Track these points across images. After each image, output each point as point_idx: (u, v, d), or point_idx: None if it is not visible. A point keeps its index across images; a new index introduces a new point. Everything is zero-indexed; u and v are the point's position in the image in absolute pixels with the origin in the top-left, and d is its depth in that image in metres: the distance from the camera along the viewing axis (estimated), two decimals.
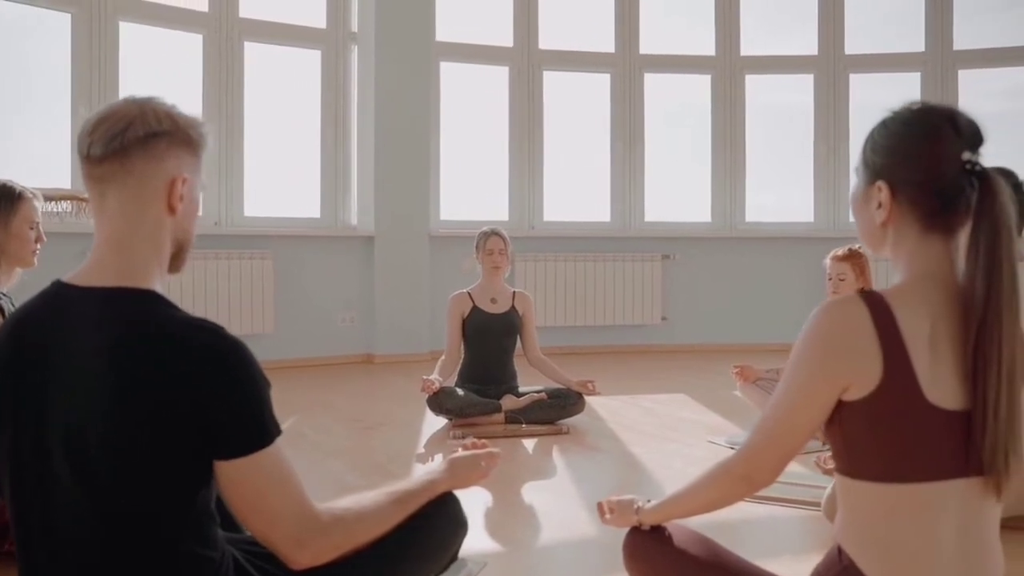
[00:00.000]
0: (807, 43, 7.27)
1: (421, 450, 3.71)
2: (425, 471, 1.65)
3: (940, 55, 7.12)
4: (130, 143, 1.32)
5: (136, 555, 1.28)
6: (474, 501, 2.92)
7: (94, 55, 5.58)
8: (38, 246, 2.50)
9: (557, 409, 4.11)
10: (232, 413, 1.27)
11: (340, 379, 5.61)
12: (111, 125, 1.33)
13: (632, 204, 7.18)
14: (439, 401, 4.01)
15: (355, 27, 6.59)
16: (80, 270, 1.36)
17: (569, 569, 2.36)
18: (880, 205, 1.37)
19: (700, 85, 7.31)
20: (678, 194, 7.39)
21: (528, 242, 6.83)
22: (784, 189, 7.48)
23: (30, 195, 2.47)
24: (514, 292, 4.37)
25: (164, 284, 1.40)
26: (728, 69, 7.25)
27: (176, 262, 1.43)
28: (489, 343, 4.26)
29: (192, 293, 5.70)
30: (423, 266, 6.51)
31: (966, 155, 1.31)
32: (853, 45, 7.21)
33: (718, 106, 7.26)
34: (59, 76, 5.48)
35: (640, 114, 7.19)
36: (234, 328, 5.49)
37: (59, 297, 1.35)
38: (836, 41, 7.21)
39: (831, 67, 7.20)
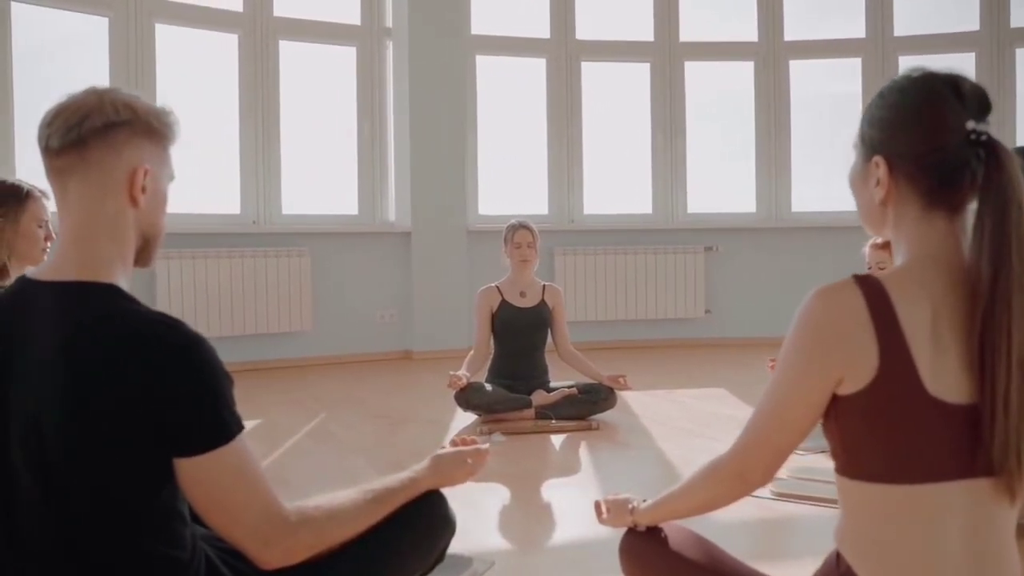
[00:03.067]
0: (854, 26, 7.04)
1: (444, 447, 3.66)
2: (409, 469, 1.59)
3: (996, 33, 6.83)
4: (88, 134, 1.29)
5: (97, 555, 1.25)
6: (492, 498, 2.88)
7: (131, 57, 5.65)
8: (47, 244, 2.50)
9: (588, 404, 4.03)
10: (189, 409, 1.23)
11: (376, 376, 5.60)
12: (68, 116, 1.30)
13: (674, 195, 7.05)
14: (467, 397, 3.96)
15: (389, 23, 6.57)
16: (44, 265, 1.34)
17: (579, 569, 2.28)
18: (878, 182, 1.26)
19: (743, 72, 7.13)
20: (721, 184, 7.23)
21: (568, 236, 6.76)
22: (831, 178, 7.25)
23: (38, 193, 2.47)
24: (544, 285, 4.29)
25: (129, 279, 1.36)
26: (772, 55, 7.06)
27: (144, 256, 1.40)
28: (518, 338, 4.19)
29: (230, 291, 5.75)
30: (461, 261, 6.47)
31: (970, 124, 1.19)
32: (903, 26, 6.96)
33: (762, 93, 7.08)
34: (98, 80, 5.56)
35: (681, 103, 7.05)
36: (272, 326, 5.59)
37: (22, 292, 1.33)
38: (885, 22, 6.97)
39: (879, 50, 6.97)
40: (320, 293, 6.14)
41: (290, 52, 6.29)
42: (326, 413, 4.37)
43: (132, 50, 5.65)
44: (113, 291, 1.30)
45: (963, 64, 6.80)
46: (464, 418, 4.08)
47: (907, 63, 7.01)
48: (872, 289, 1.19)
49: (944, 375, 1.16)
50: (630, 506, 1.56)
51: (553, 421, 3.92)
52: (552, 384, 4.17)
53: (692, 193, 7.07)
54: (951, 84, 1.22)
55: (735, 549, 2.42)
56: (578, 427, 3.90)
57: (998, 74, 6.81)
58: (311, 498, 1.41)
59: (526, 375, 4.16)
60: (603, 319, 6.71)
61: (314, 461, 3.45)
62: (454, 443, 1.74)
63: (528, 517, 2.74)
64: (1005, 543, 1.21)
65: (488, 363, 4.23)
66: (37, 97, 5.27)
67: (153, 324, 1.26)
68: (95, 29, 5.60)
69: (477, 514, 2.70)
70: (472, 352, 4.20)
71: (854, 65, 7.04)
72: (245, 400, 4.45)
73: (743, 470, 1.33)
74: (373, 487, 1.48)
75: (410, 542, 1.52)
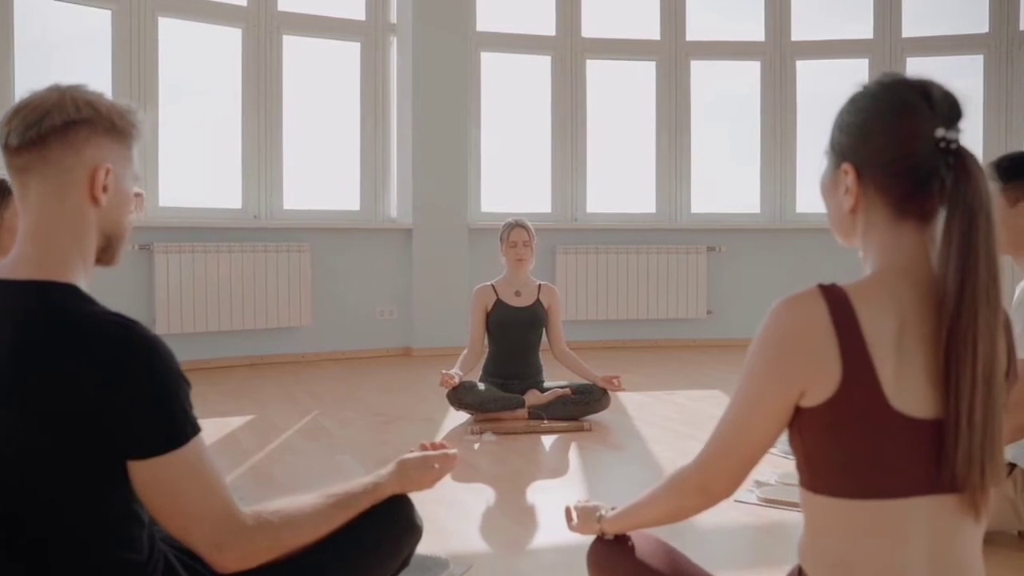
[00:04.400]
0: (862, 26, 6.98)
1: (412, 451, 3.64)
2: (373, 474, 1.57)
3: (1005, 36, 6.76)
4: (47, 132, 1.28)
5: (50, 557, 1.24)
6: (476, 499, 2.86)
7: (134, 51, 5.65)
8: None
9: (581, 405, 4.01)
10: (143, 411, 1.22)
11: (374, 373, 5.59)
12: (28, 114, 1.29)
13: (678, 195, 7.01)
14: (459, 396, 3.95)
15: (394, 18, 6.55)
16: (4, 263, 1.33)
17: (557, 574, 2.25)
18: (847, 190, 1.23)
19: (749, 72, 7.09)
20: (725, 185, 7.19)
21: (571, 234, 6.73)
22: None
23: None
24: (539, 285, 4.27)
25: (89, 279, 1.35)
26: (779, 55, 7.01)
27: (107, 255, 1.38)
28: (513, 337, 4.17)
29: (230, 286, 5.75)
30: (462, 259, 6.45)
31: (940, 132, 1.16)
32: (911, 27, 6.90)
33: (768, 93, 7.04)
34: (100, 73, 5.56)
35: (686, 103, 7.01)
36: (271, 321, 5.61)
37: None
38: (893, 23, 6.91)
39: (888, 51, 6.91)
40: (320, 289, 6.14)
41: (294, 47, 6.28)
42: (321, 410, 4.37)
43: (135, 44, 5.65)
44: (71, 291, 1.29)
45: (971, 67, 6.79)
46: (458, 417, 4.07)
47: (915, 64, 6.97)
48: (836, 299, 1.17)
49: (908, 389, 1.13)
50: (598, 514, 1.55)
51: (545, 421, 3.90)
52: (546, 384, 4.15)
53: (696, 193, 7.04)
54: (921, 91, 1.19)
55: (721, 555, 2.42)
56: (570, 428, 3.88)
57: (1007, 76, 6.75)
58: (272, 501, 1.40)
59: (520, 374, 4.14)
60: (604, 318, 6.69)
61: (303, 458, 3.44)
62: (423, 447, 1.72)
63: (511, 519, 2.72)
64: (970, 559, 1.19)
65: (482, 362, 4.21)
66: None
67: (109, 325, 1.24)
68: (98, 22, 5.60)
69: (459, 515, 2.69)
70: (466, 350, 4.19)
71: (862, 66, 6.98)
72: (242, 395, 4.46)
73: (706, 482, 1.31)
74: (335, 491, 1.47)
75: (374, 547, 1.50)
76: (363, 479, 1.53)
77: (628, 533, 1.52)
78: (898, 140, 1.18)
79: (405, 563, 1.59)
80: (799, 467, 1.23)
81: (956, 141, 1.16)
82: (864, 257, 1.26)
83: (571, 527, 1.63)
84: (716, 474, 1.29)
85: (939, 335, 1.14)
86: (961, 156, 1.16)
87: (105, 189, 1.32)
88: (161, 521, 1.28)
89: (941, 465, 1.14)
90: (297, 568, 1.39)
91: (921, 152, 1.16)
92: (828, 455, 1.17)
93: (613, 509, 1.53)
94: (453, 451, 1.68)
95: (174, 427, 1.24)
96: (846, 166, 1.23)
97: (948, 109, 1.18)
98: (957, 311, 1.13)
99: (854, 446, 1.15)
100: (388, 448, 3.55)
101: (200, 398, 4.44)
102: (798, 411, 1.19)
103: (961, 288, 1.13)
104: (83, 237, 1.32)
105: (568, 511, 1.65)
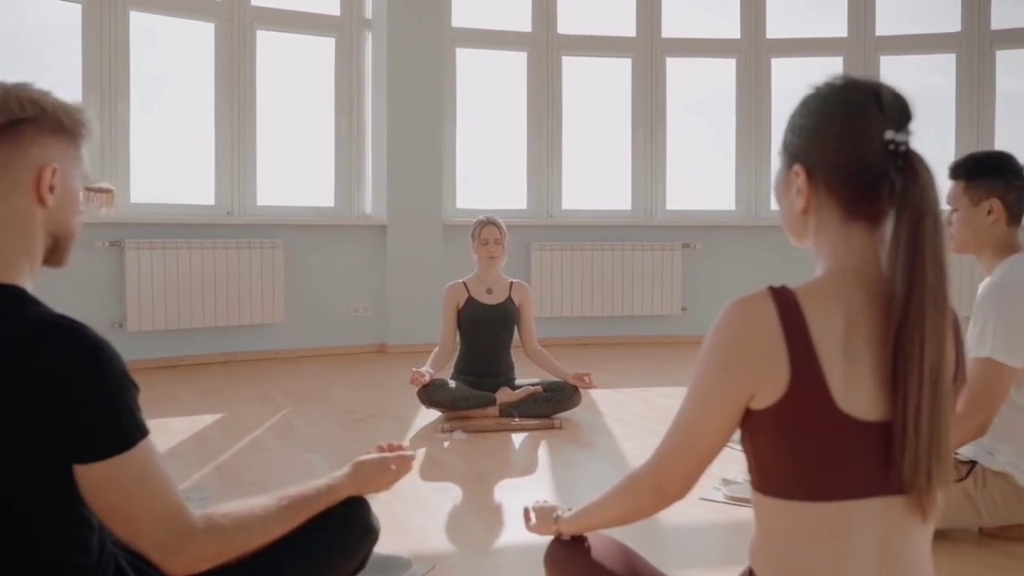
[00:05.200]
0: (836, 25, 7.02)
1: (406, 444, 3.62)
2: (328, 475, 1.56)
3: (977, 35, 6.82)
4: None
5: None
6: (443, 498, 2.86)
7: (104, 46, 5.58)
8: None
9: (552, 403, 4.00)
10: (88, 415, 1.20)
11: (347, 370, 5.57)
12: None
13: (653, 192, 7.02)
14: (429, 394, 3.93)
15: (369, 14, 6.52)
16: None
17: (521, 572, 2.25)
18: (798, 191, 1.24)
19: (724, 69, 7.11)
20: (700, 182, 7.22)
21: (546, 231, 6.73)
22: None
23: None
24: (511, 282, 4.26)
25: (36, 280, 1.33)
26: (753, 52, 7.03)
27: (55, 256, 1.37)
28: (484, 335, 4.16)
29: (202, 282, 5.70)
30: (437, 255, 6.43)
31: (889, 134, 1.17)
32: (885, 26, 6.94)
33: (743, 91, 7.06)
34: (70, 68, 5.50)
35: (662, 100, 7.02)
36: (244, 318, 5.55)
37: None
38: (867, 22, 6.95)
39: (861, 49, 6.95)
40: (294, 285, 6.10)
41: (268, 42, 6.23)
42: (291, 407, 4.34)
43: (106, 38, 5.59)
44: (16, 293, 1.27)
45: (943, 65, 6.84)
46: (429, 415, 4.05)
47: (888, 63, 7.02)
48: (785, 301, 1.17)
49: (856, 391, 1.14)
50: (555, 515, 1.55)
51: (516, 419, 3.90)
52: (517, 382, 4.15)
53: (671, 190, 7.05)
54: (872, 93, 1.19)
55: (688, 553, 2.43)
56: (541, 425, 3.88)
57: (978, 75, 6.80)
58: (225, 504, 1.39)
59: (491, 372, 4.13)
60: (579, 315, 6.69)
61: (271, 457, 3.42)
62: (380, 448, 1.71)
63: (477, 518, 2.71)
64: (919, 560, 1.20)
65: (454, 360, 4.20)
66: None
67: (56, 327, 1.23)
68: (68, 16, 5.53)
69: (426, 514, 2.68)
70: (437, 348, 4.17)
71: (836, 64, 7.02)
72: (214, 393, 4.42)
73: (660, 483, 1.31)
74: (289, 494, 1.46)
75: (328, 549, 1.49)
76: (318, 481, 1.52)
77: (585, 534, 1.52)
78: (848, 142, 1.19)
79: (361, 565, 1.58)
80: (750, 469, 1.24)
81: (906, 143, 1.17)
82: (816, 258, 1.26)
83: (529, 527, 1.63)
84: (669, 474, 1.30)
85: (887, 337, 1.14)
86: (910, 159, 1.16)
87: (52, 189, 1.30)
88: (110, 525, 1.27)
89: (888, 467, 1.14)
90: (251, 571, 1.38)
91: (871, 154, 1.17)
92: (777, 457, 1.17)
93: (570, 510, 1.53)
94: (410, 453, 1.67)
95: (121, 430, 1.23)
96: (797, 167, 1.24)
97: (898, 112, 1.18)
98: (905, 313, 1.13)
99: (802, 448, 1.15)
100: (358, 447, 3.53)
101: (172, 396, 4.48)
102: (748, 413, 1.19)
103: (909, 290, 1.13)
104: (29, 238, 1.30)
105: (526, 511, 1.65)
